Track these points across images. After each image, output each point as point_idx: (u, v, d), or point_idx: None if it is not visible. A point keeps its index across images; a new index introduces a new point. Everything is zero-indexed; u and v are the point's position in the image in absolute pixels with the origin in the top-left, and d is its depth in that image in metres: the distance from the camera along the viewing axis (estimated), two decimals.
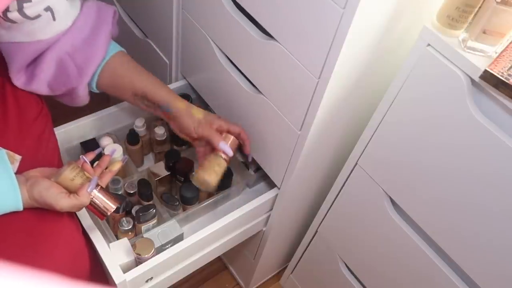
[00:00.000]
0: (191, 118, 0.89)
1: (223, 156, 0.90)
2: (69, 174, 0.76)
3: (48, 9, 0.76)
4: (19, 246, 0.74)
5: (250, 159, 1.00)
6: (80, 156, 0.81)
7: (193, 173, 0.92)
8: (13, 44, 0.81)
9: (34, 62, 0.85)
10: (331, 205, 1.03)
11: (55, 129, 0.97)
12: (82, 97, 0.92)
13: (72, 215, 0.83)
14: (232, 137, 0.92)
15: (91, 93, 0.94)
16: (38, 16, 0.76)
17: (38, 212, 0.76)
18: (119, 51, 0.91)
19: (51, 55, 0.83)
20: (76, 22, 0.83)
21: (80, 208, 0.78)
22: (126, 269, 0.84)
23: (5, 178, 0.72)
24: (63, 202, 0.74)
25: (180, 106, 0.90)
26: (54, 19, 0.79)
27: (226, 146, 0.89)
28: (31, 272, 0.27)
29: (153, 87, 0.90)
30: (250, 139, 0.96)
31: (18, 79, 0.85)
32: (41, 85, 0.86)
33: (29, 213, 0.76)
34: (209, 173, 0.88)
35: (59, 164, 0.88)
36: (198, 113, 0.91)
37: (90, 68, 0.86)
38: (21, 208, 0.73)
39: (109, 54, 0.89)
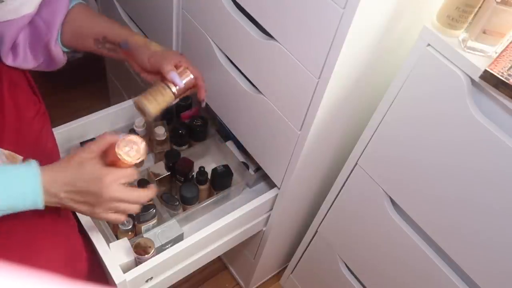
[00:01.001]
0: (148, 49, 0.86)
1: (172, 88, 0.84)
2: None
3: None
4: (16, 246, 0.74)
5: (203, 105, 0.93)
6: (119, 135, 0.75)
7: (136, 97, 0.85)
8: (1, 24, 0.81)
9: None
10: (331, 205, 1.03)
11: (55, 129, 0.97)
12: (57, 53, 0.90)
13: (69, 215, 0.83)
14: (189, 74, 0.86)
15: (91, 92, 0.94)
16: None
17: (35, 212, 0.76)
18: (78, 3, 0.90)
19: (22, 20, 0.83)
20: None
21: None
22: (126, 269, 0.84)
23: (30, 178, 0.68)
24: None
25: (138, 39, 0.87)
26: None
27: (177, 76, 0.83)
28: (28, 272, 0.26)
29: (112, 27, 0.89)
30: (249, 137, 0.96)
31: (8, 58, 0.86)
32: (25, 54, 0.87)
33: (25, 213, 0.76)
34: (150, 100, 0.82)
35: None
36: (156, 46, 0.87)
37: (56, 21, 0.86)
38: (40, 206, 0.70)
39: (70, 6, 0.88)
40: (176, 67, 0.85)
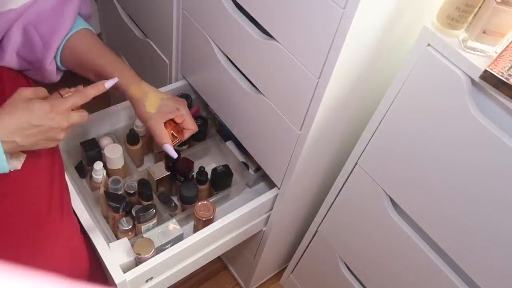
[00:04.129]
0: (143, 107, 0.85)
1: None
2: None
3: None
4: (18, 245, 0.74)
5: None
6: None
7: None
8: None
9: (3, 35, 0.84)
10: (331, 205, 1.03)
11: None
12: (50, 72, 0.89)
13: (71, 214, 0.83)
14: (181, 135, 0.92)
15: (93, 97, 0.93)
16: None
17: (37, 212, 0.76)
18: (83, 28, 0.88)
19: (17, 25, 0.82)
20: None
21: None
22: (126, 269, 0.84)
23: None
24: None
25: (135, 94, 0.85)
26: None
27: (171, 149, 0.88)
28: (30, 272, 0.26)
29: (112, 69, 0.85)
30: (249, 137, 0.96)
31: None
32: (11, 57, 0.86)
33: (28, 213, 0.76)
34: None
35: (59, 161, 0.87)
36: (151, 106, 0.85)
37: (54, 41, 0.84)
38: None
39: (73, 29, 0.86)
40: (170, 125, 0.89)
